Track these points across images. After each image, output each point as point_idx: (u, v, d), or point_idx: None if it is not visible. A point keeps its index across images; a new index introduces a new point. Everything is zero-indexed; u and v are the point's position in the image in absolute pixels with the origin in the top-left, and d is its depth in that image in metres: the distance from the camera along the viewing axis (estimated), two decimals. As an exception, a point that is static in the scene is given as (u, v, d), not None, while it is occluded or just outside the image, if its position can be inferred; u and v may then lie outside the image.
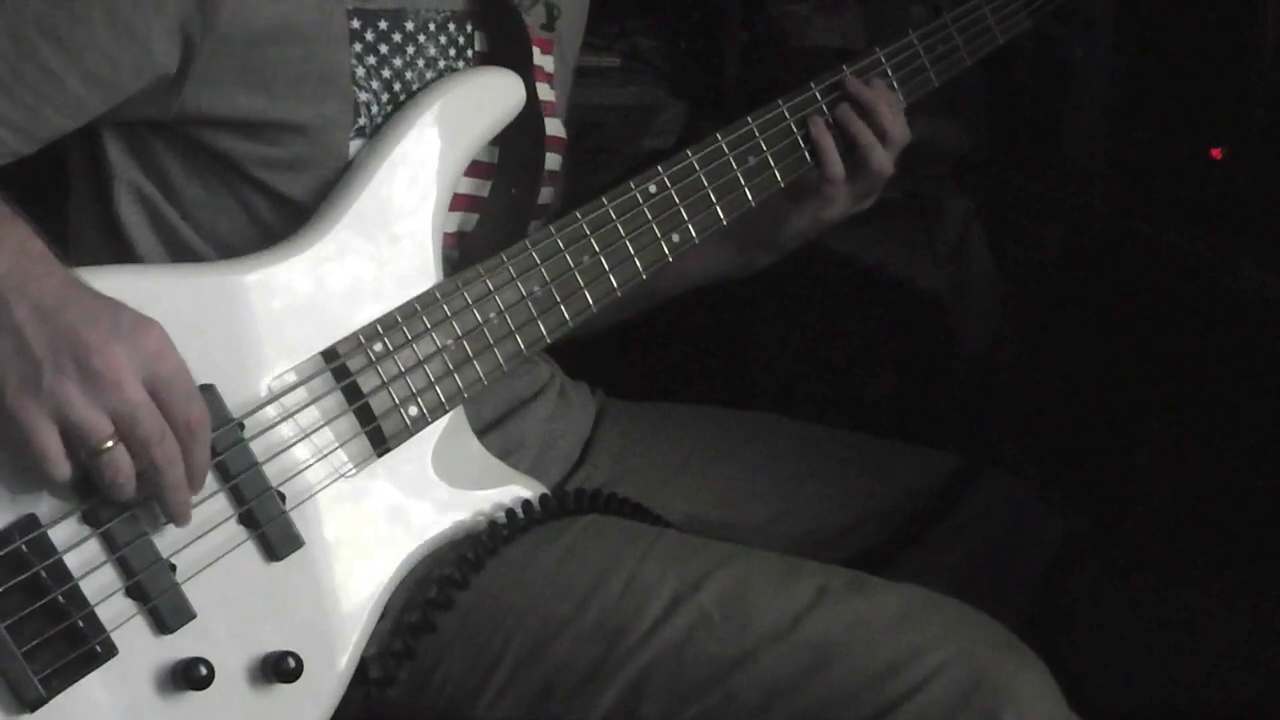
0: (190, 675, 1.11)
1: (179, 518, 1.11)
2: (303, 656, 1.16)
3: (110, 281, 1.11)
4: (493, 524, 1.31)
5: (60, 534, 1.08)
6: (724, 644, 1.25)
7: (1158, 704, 1.92)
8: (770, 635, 1.25)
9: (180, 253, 1.30)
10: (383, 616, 1.26)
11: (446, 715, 1.31)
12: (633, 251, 1.37)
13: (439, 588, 1.29)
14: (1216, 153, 1.96)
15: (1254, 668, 1.91)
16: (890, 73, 1.52)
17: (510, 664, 1.29)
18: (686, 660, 1.25)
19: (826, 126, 1.47)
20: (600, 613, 1.28)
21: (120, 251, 1.30)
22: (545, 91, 1.46)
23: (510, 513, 1.32)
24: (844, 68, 1.50)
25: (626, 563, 1.30)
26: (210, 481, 1.14)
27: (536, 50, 1.44)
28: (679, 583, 1.28)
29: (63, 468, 1.05)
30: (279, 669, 1.15)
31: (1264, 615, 1.92)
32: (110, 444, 1.05)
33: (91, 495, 1.09)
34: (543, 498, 1.35)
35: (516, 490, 1.35)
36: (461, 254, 1.35)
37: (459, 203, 1.36)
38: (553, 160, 1.46)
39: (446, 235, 1.34)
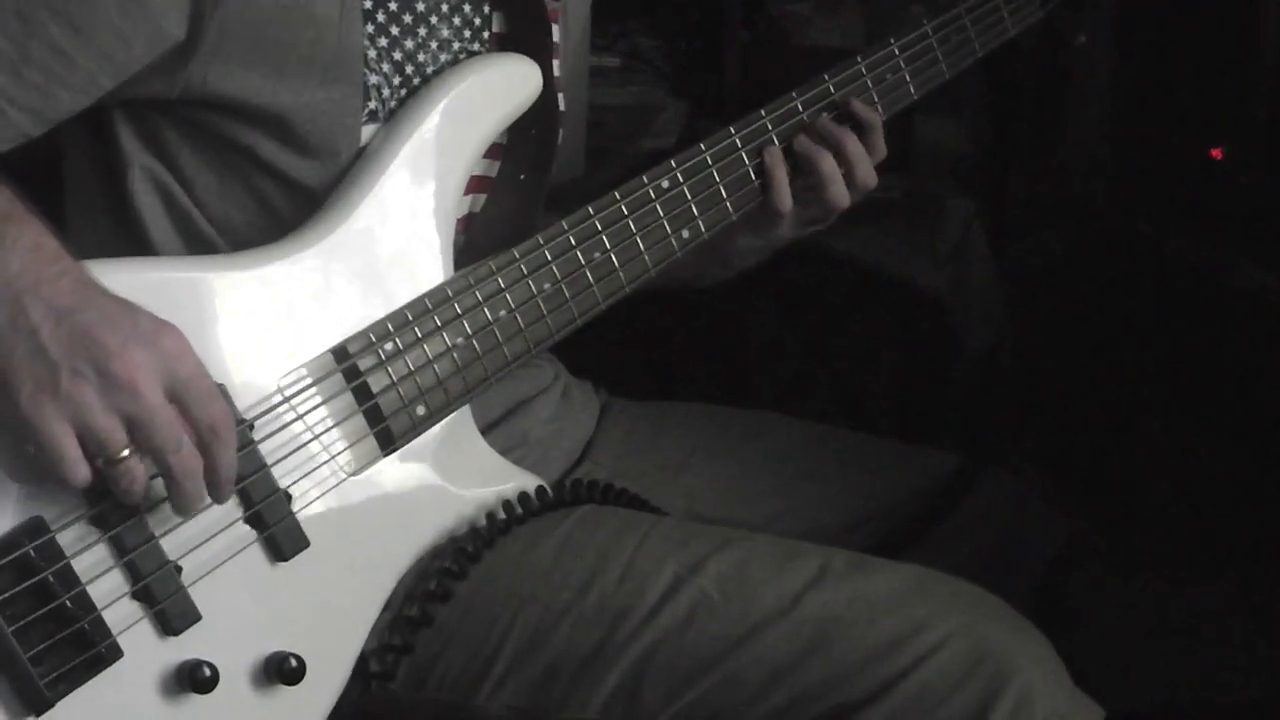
0: (195, 677, 1.11)
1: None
2: (305, 656, 1.16)
3: (121, 275, 1.09)
4: (490, 516, 1.30)
5: (68, 537, 1.07)
6: (725, 624, 1.25)
7: (1158, 704, 1.93)
8: (771, 614, 1.24)
9: (194, 239, 1.27)
10: (385, 608, 1.26)
11: (448, 705, 1.30)
12: (643, 248, 1.36)
13: (437, 580, 1.28)
14: (1216, 153, 1.96)
15: (1254, 668, 1.92)
16: (903, 65, 1.51)
17: (511, 652, 1.28)
18: (688, 642, 1.25)
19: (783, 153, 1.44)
20: (600, 598, 1.27)
21: (131, 238, 1.27)
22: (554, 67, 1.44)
23: (508, 505, 1.32)
24: (858, 59, 1.49)
25: (625, 549, 1.30)
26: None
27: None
28: (678, 566, 1.27)
29: (82, 471, 1.03)
30: (281, 670, 1.15)
31: (1264, 615, 1.93)
32: (126, 453, 1.03)
33: (99, 498, 1.07)
34: (539, 490, 1.34)
35: (519, 486, 1.34)
36: (469, 239, 1.34)
37: (468, 185, 1.33)
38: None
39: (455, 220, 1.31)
